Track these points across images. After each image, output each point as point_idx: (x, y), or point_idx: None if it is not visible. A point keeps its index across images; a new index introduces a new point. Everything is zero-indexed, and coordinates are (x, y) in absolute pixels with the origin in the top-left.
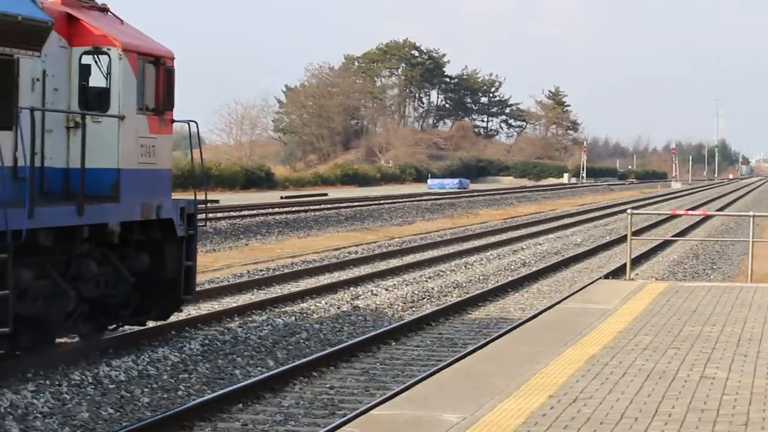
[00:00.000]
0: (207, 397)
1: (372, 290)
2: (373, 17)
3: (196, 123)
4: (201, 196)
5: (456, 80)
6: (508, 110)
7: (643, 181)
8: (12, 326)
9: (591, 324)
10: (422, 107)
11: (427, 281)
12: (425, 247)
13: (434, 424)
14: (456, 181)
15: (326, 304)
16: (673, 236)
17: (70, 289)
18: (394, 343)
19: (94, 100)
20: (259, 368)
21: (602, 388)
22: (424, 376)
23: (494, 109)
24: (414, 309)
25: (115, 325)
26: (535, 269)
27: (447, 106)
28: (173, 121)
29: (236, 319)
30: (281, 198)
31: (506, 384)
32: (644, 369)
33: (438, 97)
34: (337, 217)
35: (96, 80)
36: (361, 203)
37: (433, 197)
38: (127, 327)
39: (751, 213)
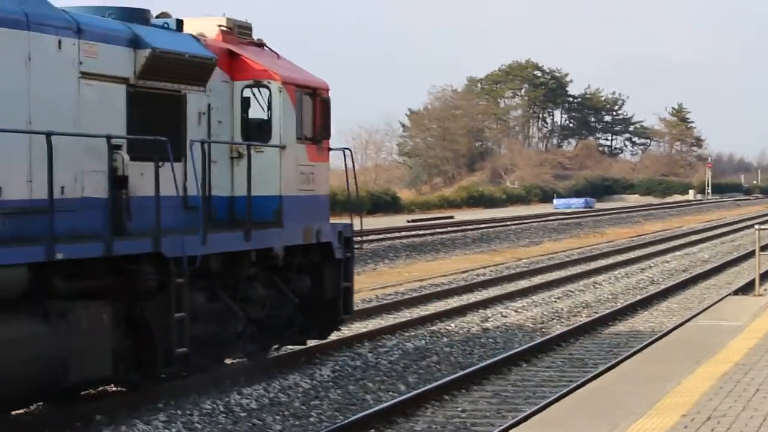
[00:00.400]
0: (339, 423)
1: (501, 312)
2: (495, 35)
3: (350, 150)
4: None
5: (579, 99)
6: (631, 128)
7: None
8: (188, 347)
9: (721, 341)
10: (546, 127)
11: (555, 302)
12: (553, 268)
13: None
14: (582, 200)
15: (456, 326)
16: None
17: (239, 310)
18: (525, 365)
19: (256, 131)
20: (390, 393)
21: (735, 406)
22: (556, 397)
23: (618, 128)
24: (544, 330)
25: (278, 345)
26: (663, 287)
27: (571, 125)
28: (330, 149)
29: (366, 344)
30: (408, 221)
31: (639, 403)
32: None
33: (561, 117)
34: (464, 240)
35: (257, 112)
36: (487, 225)
37: (559, 217)
38: (288, 347)
39: None
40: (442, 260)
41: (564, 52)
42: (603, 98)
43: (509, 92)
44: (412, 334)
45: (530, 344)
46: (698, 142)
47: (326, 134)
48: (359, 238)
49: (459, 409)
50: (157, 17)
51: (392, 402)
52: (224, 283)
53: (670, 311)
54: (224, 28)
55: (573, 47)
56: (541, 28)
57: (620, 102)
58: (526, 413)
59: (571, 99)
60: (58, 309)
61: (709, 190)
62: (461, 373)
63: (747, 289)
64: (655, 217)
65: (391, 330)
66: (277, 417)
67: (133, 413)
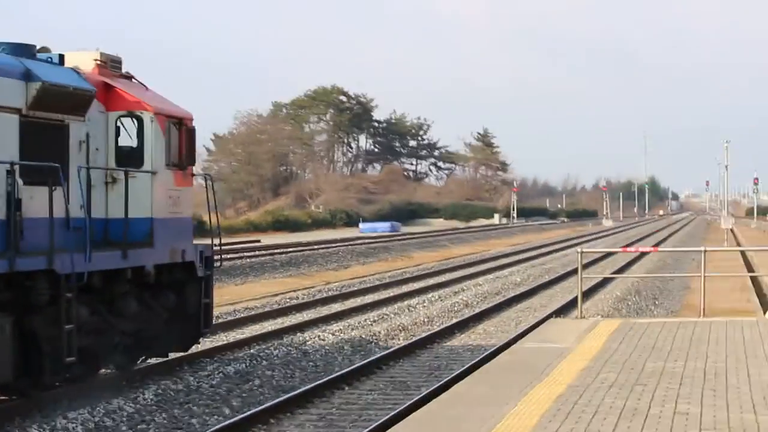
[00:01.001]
0: None
1: (318, 335)
2: (298, 63)
3: (211, 177)
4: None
5: (384, 124)
6: (437, 153)
7: (575, 219)
8: (77, 356)
9: (550, 363)
10: (351, 152)
11: (372, 325)
12: (365, 291)
13: None
14: (387, 224)
15: (275, 350)
16: (616, 273)
17: (115, 323)
18: (347, 388)
19: (129, 158)
20: (216, 416)
21: (577, 428)
22: (390, 418)
23: (423, 152)
24: (363, 353)
25: (144, 357)
26: (478, 310)
27: (376, 150)
28: (193, 174)
29: (186, 367)
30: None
31: (477, 428)
32: (615, 407)
33: (367, 142)
34: (273, 263)
35: (128, 140)
36: (295, 249)
37: (366, 241)
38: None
39: (702, 248)
40: (251, 284)
41: (370, 78)
42: (408, 123)
43: (314, 117)
44: (232, 357)
45: (351, 367)
46: (503, 166)
47: (191, 161)
48: (218, 257)
49: None
50: (39, 51)
51: (219, 426)
52: (102, 298)
53: (487, 333)
54: (99, 62)
55: (378, 73)
56: (346, 54)
57: (425, 127)
58: None
59: (376, 124)
60: None
61: (515, 215)
62: (285, 396)
63: (563, 311)
64: (461, 240)
65: (210, 353)
66: None
67: None
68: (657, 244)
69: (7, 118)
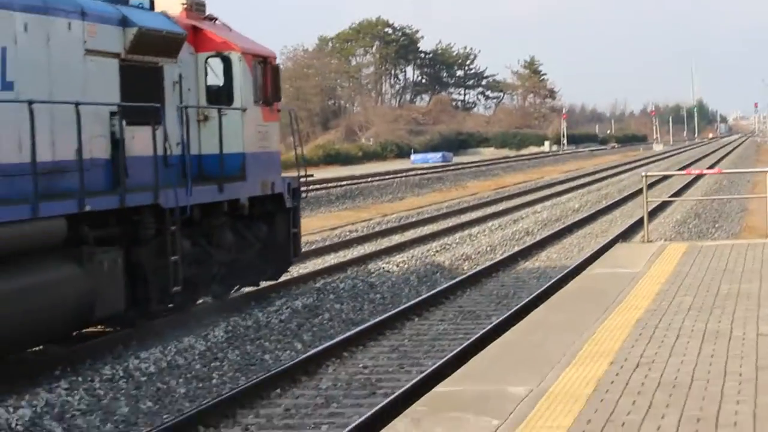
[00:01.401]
0: (244, 385)
1: (383, 267)
2: None
3: (295, 111)
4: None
5: (431, 55)
6: (484, 82)
7: (624, 144)
8: (181, 286)
9: (624, 288)
10: (399, 84)
11: (435, 255)
12: (424, 222)
13: (503, 397)
14: (439, 155)
15: (341, 283)
16: (675, 196)
17: (214, 254)
18: (417, 319)
19: (218, 96)
20: (288, 352)
21: (661, 352)
22: (464, 349)
23: (471, 82)
24: (429, 284)
25: (239, 286)
26: (539, 237)
27: (423, 81)
28: (278, 110)
29: (253, 303)
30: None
31: (561, 353)
32: (697, 330)
33: (414, 73)
34: (328, 197)
35: (218, 79)
36: (348, 182)
37: (419, 172)
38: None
39: (766, 168)
40: (308, 218)
41: (414, 8)
42: (455, 53)
43: (360, 50)
44: (298, 292)
45: (418, 298)
46: (551, 93)
47: (277, 97)
48: (305, 189)
49: (360, 365)
50: None
51: (294, 361)
52: (201, 230)
53: (551, 260)
54: (186, 6)
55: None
56: None
57: (472, 56)
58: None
59: (422, 55)
60: (88, 254)
61: (565, 141)
62: (356, 329)
63: (626, 236)
64: (514, 169)
65: (277, 288)
66: (180, 380)
67: (32, 382)
68: (711, 167)
69: (107, 62)
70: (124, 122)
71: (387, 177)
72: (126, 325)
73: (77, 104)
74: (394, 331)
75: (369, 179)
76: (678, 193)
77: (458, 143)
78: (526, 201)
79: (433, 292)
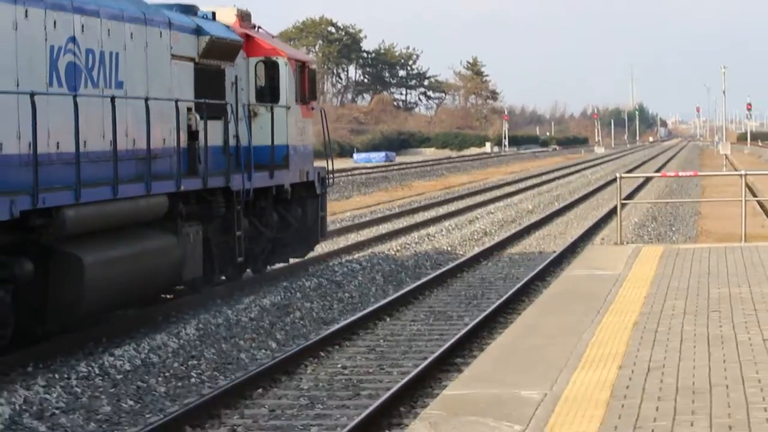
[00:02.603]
0: (227, 385)
1: (346, 266)
2: None
3: (324, 110)
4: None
5: (373, 55)
6: (426, 82)
7: (566, 147)
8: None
9: (609, 290)
10: (341, 83)
11: (396, 254)
12: (378, 221)
13: (518, 401)
14: (382, 154)
15: (307, 281)
16: (627, 199)
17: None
18: (389, 319)
19: (267, 96)
20: (263, 350)
21: (670, 357)
22: (447, 350)
23: (413, 82)
24: (395, 283)
25: (273, 263)
26: (498, 239)
27: (365, 80)
28: (313, 108)
29: (220, 303)
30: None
31: (565, 356)
32: (699, 334)
33: (356, 72)
34: None
35: (266, 81)
36: None
37: (363, 171)
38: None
39: (743, 171)
40: None
41: (358, 7)
42: (397, 53)
43: (303, 49)
44: (267, 290)
45: (388, 299)
46: (493, 95)
47: (313, 97)
48: (330, 178)
49: (339, 365)
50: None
51: (274, 361)
52: (254, 211)
53: (513, 261)
54: (238, 16)
55: (367, 3)
56: None
57: (414, 57)
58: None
59: (365, 54)
60: (180, 227)
61: (506, 143)
62: (331, 329)
63: (586, 238)
64: (458, 169)
65: (241, 286)
66: (159, 378)
67: (4, 378)
68: (659, 169)
69: (185, 65)
70: (198, 116)
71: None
72: (194, 290)
73: (177, 101)
74: (368, 331)
75: None
76: (630, 196)
77: (400, 143)
78: (477, 201)
79: (402, 292)
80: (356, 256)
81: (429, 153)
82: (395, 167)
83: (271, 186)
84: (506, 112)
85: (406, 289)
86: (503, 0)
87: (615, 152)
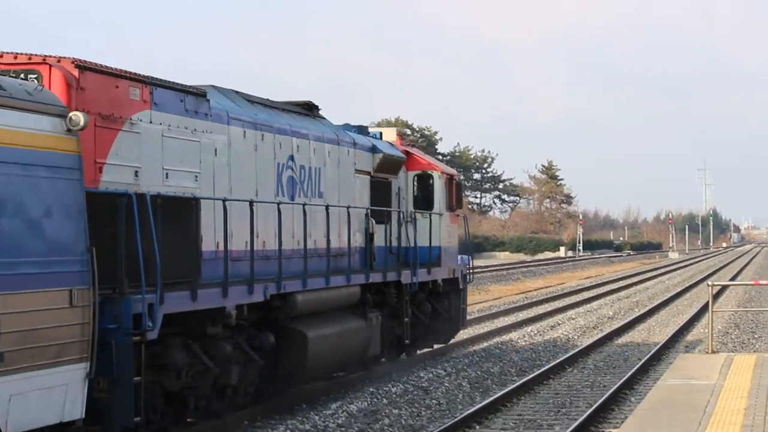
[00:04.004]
0: None
1: (431, 372)
2: (361, 96)
3: (465, 216)
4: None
5: (449, 157)
6: (501, 185)
7: (639, 252)
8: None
9: (707, 401)
10: None
11: (480, 362)
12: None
13: None
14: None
15: (393, 387)
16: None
17: (423, 319)
18: (478, 427)
19: (423, 203)
20: None
21: None
22: None
23: (487, 185)
24: (481, 390)
25: (421, 348)
26: (581, 345)
27: None
28: (458, 215)
29: (305, 407)
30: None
31: None
32: None
33: None
34: None
35: (422, 191)
36: None
37: None
38: None
39: None
40: None
41: (434, 110)
42: (472, 156)
43: None
44: (353, 396)
45: (477, 406)
46: (568, 199)
47: (459, 205)
48: (470, 275)
49: None
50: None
51: None
52: (414, 301)
53: (599, 369)
54: (399, 135)
55: (443, 107)
56: (410, 88)
57: (489, 160)
58: None
59: (440, 157)
60: (367, 312)
61: (581, 247)
62: None
63: (670, 345)
64: (533, 274)
65: (326, 391)
66: None
67: None
68: (733, 277)
69: (364, 178)
70: (373, 221)
71: None
72: (365, 368)
73: (366, 209)
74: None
75: None
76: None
77: (474, 246)
78: (556, 307)
79: (490, 400)
80: (441, 362)
81: (503, 257)
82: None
83: (428, 281)
84: (580, 216)
85: (494, 396)
86: (577, 103)
87: (689, 258)
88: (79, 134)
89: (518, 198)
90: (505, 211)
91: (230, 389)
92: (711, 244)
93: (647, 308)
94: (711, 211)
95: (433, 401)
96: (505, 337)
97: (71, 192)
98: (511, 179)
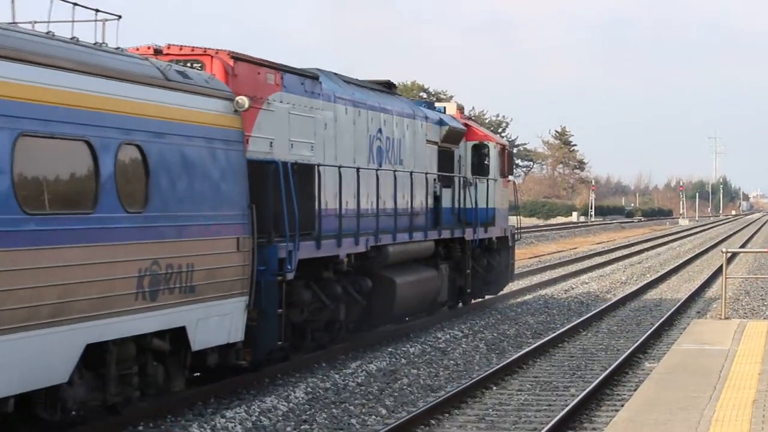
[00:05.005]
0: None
1: (449, 334)
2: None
3: (515, 183)
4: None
5: None
6: (515, 150)
7: (650, 218)
8: (471, 288)
9: (722, 366)
10: None
11: (497, 324)
12: None
13: None
14: None
15: (411, 348)
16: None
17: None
18: (495, 388)
19: (480, 170)
20: (373, 417)
21: None
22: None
23: None
24: (498, 351)
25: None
26: (595, 309)
27: None
28: (509, 181)
29: (325, 366)
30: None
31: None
32: None
33: None
34: None
35: (479, 159)
36: None
37: None
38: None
39: None
40: None
41: (448, 74)
42: (487, 120)
43: None
44: (372, 356)
45: (494, 368)
46: (581, 164)
47: (510, 172)
48: (518, 234)
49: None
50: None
51: (386, 429)
52: (473, 256)
53: (612, 333)
54: (459, 109)
55: (458, 70)
56: (419, 49)
57: (504, 124)
58: None
59: None
60: (439, 264)
61: (593, 213)
62: (440, 398)
63: (681, 311)
64: (546, 238)
65: (345, 351)
66: None
67: None
68: (743, 244)
69: (432, 148)
70: (440, 185)
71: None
72: (428, 313)
73: (435, 174)
74: (476, 400)
75: None
76: (720, 271)
77: None
78: (570, 271)
79: (506, 362)
80: (458, 324)
81: (514, 221)
82: None
83: (485, 238)
84: (592, 182)
85: (511, 358)
86: (589, 70)
87: (699, 225)
88: (242, 114)
89: (532, 163)
90: (519, 176)
91: (338, 324)
92: (720, 211)
93: (659, 274)
94: (721, 180)
95: (451, 362)
96: (520, 300)
97: (238, 160)
98: (525, 144)
